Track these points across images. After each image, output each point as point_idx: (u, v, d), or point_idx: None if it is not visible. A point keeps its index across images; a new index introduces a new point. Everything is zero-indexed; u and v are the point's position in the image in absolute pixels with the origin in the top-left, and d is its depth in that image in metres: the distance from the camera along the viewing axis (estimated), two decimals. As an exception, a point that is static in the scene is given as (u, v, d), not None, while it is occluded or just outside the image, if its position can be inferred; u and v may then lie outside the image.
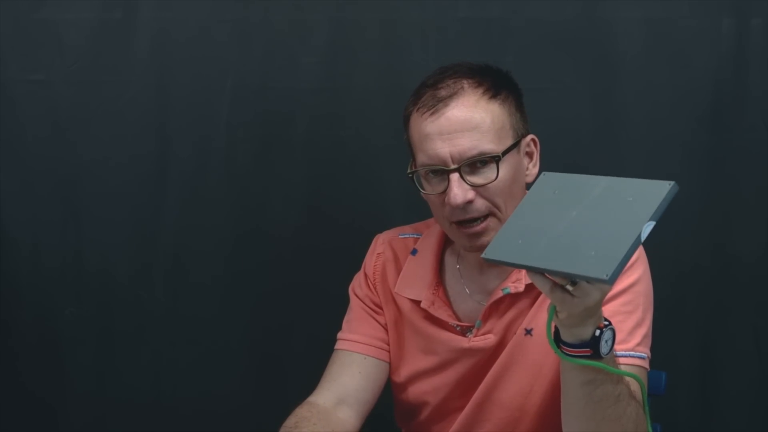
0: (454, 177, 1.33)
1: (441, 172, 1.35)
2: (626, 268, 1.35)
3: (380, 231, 1.60)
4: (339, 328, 1.54)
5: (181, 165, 2.02)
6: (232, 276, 2.03)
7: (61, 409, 2.06)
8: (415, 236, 1.54)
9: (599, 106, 1.94)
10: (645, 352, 1.35)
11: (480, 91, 1.37)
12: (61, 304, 2.04)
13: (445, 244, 1.51)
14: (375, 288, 1.52)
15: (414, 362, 1.48)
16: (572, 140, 1.90)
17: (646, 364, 1.35)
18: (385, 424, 1.61)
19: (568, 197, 1.13)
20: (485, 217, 1.35)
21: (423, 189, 1.39)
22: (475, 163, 1.34)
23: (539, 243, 1.09)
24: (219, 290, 2.03)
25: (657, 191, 1.05)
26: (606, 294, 1.10)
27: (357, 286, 1.55)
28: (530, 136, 1.43)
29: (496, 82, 1.39)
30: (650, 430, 1.23)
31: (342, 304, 1.58)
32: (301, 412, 1.43)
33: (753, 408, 1.93)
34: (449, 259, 1.50)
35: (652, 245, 1.43)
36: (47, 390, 2.06)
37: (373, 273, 1.53)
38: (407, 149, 1.45)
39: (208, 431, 2.03)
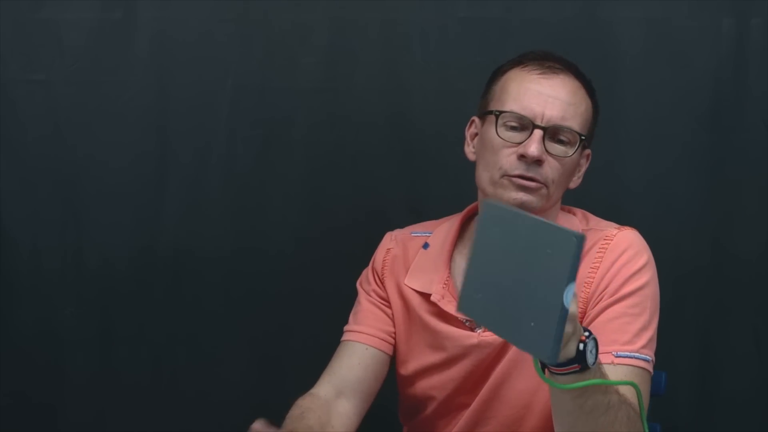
0: (538, 133, 1.38)
1: (525, 126, 1.39)
2: (634, 271, 1.37)
3: (380, 232, 1.60)
4: (339, 328, 1.54)
5: (182, 165, 2.02)
6: (232, 276, 2.02)
7: (61, 408, 2.06)
8: (427, 234, 1.55)
9: (599, 106, 1.94)
10: (649, 354, 1.35)
11: (583, 82, 1.45)
12: (61, 304, 2.04)
13: (458, 239, 1.51)
14: (382, 283, 1.53)
15: (421, 357, 1.48)
16: (572, 140, 1.90)
17: (649, 366, 1.35)
18: (386, 425, 1.62)
19: (508, 241, 1.07)
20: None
21: (499, 133, 1.40)
22: (557, 134, 1.40)
23: (492, 302, 1.06)
24: (219, 290, 2.03)
25: (567, 247, 0.98)
26: (577, 308, 1.10)
27: (364, 280, 1.56)
28: (588, 151, 1.49)
29: (591, 88, 1.47)
30: (646, 430, 1.22)
31: (342, 304, 1.58)
32: (304, 403, 1.44)
33: (753, 408, 1.92)
34: (459, 255, 1.50)
35: (651, 245, 1.44)
36: (47, 390, 2.05)
37: (382, 268, 1.54)
38: (481, 101, 1.48)
39: (208, 431, 2.03)
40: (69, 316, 2.04)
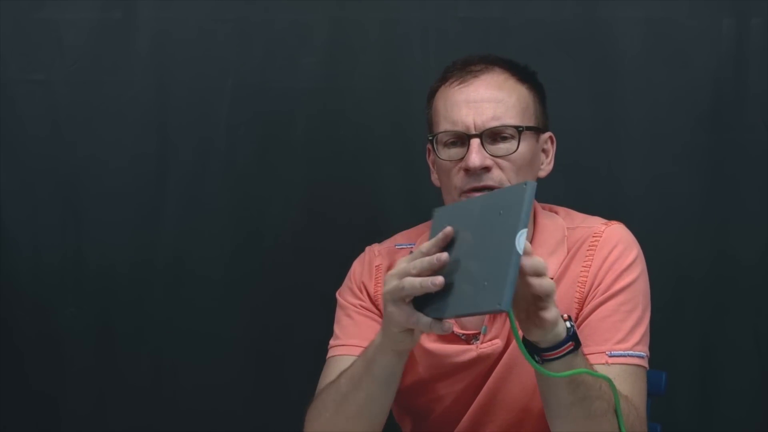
0: (475, 142, 1.36)
1: (462, 140, 1.37)
2: (625, 267, 1.36)
3: (379, 232, 1.58)
4: (339, 328, 1.53)
5: (181, 165, 2.02)
6: (232, 275, 2.03)
7: (63, 408, 2.06)
8: (411, 246, 1.48)
9: (599, 106, 1.94)
10: (644, 350, 1.34)
11: (509, 72, 1.42)
12: (61, 304, 2.04)
13: None
14: (375, 302, 1.45)
15: (417, 372, 1.43)
16: (572, 140, 1.89)
17: (644, 363, 1.34)
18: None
19: (461, 227, 1.08)
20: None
21: (440, 155, 1.40)
22: (496, 135, 1.37)
23: (444, 290, 1.05)
24: (219, 290, 2.03)
25: (518, 197, 0.99)
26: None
27: (349, 294, 1.50)
28: (549, 133, 1.46)
29: (524, 73, 1.44)
30: (623, 429, 1.21)
31: (342, 304, 1.57)
32: None
33: (753, 408, 1.92)
34: None
35: (651, 246, 1.44)
36: (48, 390, 2.05)
37: (375, 286, 1.46)
38: (426, 126, 1.47)
39: (208, 431, 2.03)
40: (69, 316, 2.04)
